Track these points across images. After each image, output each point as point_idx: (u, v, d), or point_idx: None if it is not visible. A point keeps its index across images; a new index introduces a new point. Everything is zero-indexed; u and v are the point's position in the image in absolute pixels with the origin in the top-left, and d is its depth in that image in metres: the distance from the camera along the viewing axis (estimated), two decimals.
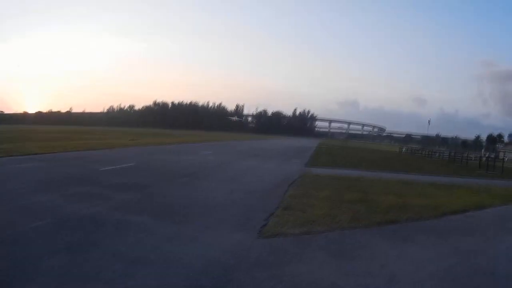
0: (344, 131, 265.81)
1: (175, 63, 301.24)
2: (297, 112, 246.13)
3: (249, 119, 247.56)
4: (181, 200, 9.25)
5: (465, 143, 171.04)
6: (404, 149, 76.81)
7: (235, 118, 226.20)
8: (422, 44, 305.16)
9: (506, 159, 42.10)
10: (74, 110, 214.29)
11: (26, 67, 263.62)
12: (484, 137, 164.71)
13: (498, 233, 7.96)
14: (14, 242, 5.52)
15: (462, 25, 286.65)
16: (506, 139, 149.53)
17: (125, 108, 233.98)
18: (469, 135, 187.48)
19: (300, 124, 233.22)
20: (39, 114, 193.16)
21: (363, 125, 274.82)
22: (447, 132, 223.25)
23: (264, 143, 58.36)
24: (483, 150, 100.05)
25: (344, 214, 8.12)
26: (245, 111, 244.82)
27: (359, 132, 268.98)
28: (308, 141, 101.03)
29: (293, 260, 5.34)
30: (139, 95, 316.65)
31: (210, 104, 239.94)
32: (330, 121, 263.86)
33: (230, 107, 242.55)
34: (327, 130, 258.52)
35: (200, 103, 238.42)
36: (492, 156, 47.73)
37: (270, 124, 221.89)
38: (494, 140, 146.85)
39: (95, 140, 35.89)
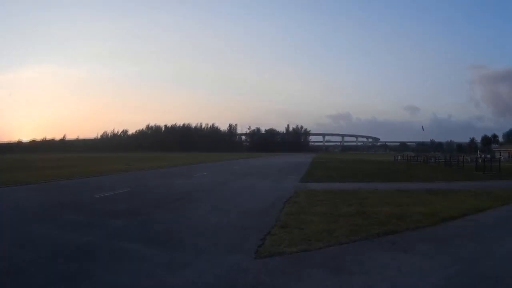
0: (338, 143, 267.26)
1: (167, 87, 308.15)
2: (291, 128, 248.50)
3: (243, 137, 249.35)
4: (176, 225, 9.15)
5: (460, 147, 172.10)
6: (399, 157, 77.24)
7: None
8: (410, 52, 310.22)
9: (502, 158, 42.32)
10: (68, 137, 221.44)
11: (19, 95, 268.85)
12: (478, 139, 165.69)
13: (500, 236, 7.89)
14: (8, 274, 5.42)
15: (449, 31, 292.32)
16: (501, 139, 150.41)
17: (119, 133, 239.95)
18: (464, 139, 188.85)
19: (294, 140, 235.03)
20: (33, 142, 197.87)
21: (357, 136, 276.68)
22: (441, 137, 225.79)
23: (259, 161, 58.71)
24: (478, 152, 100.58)
25: (342, 229, 8.01)
26: (238, 130, 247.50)
27: (354, 144, 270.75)
28: (302, 156, 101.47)
29: (291, 280, 5.20)
30: (132, 119, 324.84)
31: (203, 125, 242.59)
32: (324, 135, 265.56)
33: (223, 127, 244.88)
34: (321, 144, 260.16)
35: (193, 125, 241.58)
36: (488, 156, 47.90)
37: (264, 141, 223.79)
38: (489, 141, 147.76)
39: (91, 166, 36.70)
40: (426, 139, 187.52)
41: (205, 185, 18.95)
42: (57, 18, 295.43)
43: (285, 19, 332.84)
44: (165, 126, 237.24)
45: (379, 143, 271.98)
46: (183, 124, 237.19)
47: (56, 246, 6.95)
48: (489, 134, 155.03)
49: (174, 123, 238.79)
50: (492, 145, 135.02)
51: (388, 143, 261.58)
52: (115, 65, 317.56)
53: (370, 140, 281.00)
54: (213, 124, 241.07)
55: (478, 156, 60.39)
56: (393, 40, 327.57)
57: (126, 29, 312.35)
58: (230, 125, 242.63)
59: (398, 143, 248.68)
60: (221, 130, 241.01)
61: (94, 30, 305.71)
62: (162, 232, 8.33)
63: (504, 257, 6.32)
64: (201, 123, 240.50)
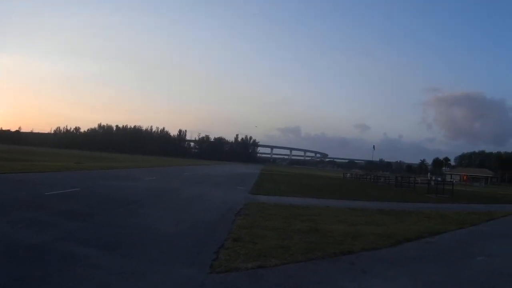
0: (286, 157, 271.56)
1: (121, 87, 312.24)
2: (239, 138, 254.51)
3: (192, 144, 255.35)
4: (126, 231, 9.03)
5: (410, 168, 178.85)
6: (348, 174, 79.35)
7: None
8: (364, 71, 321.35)
9: (454, 181, 44.34)
10: (23, 130, 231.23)
11: None
12: (429, 161, 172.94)
13: (459, 260, 8.22)
14: None
15: (404, 53, 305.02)
16: (453, 162, 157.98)
17: (71, 129, 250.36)
18: (414, 160, 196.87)
19: (242, 150, 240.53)
20: None
21: (305, 151, 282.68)
22: (390, 157, 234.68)
23: (207, 169, 59.91)
24: (429, 174, 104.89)
25: (297, 245, 8.06)
26: (188, 136, 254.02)
27: (301, 158, 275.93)
28: (250, 167, 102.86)
29: None
30: (86, 117, 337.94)
31: (154, 129, 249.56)
32: (272, 147, 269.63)
33: (173, 132, 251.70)
34: (269, 156, 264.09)
35: (144, 127, 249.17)
36: (439, 179, 50.03)
37: (213, 149, 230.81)
38: (440, 163, 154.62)
39: (42, 162, 37.68)
40: (376, 158, 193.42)
41: (156, 191, 19.24)
42: (18, 10, 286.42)
43: (241, 29, 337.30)
44: (117, 126, 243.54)
45: (327, 159, 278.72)
46: (134, 126, 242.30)
47: (2, 246, 6.68)
48: (441, 157, 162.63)
49: (125, 124, 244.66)
50: (444, 168, 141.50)
51: (336, 160, 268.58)
52: (72, 62, 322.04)
53: (318, 155, 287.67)
54: (163, 129, 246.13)
55: (429, 178, 62.92)
56: (347, 58, 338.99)
57: (86, 27, 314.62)
58: (180, 131, 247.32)
59: (346, 160, 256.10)
60: (171, 135, 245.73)
61: (55, 25, 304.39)
62: (114, 237, 8.22)
63: (465, 281, 6.57)
64: (151, 126, 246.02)
